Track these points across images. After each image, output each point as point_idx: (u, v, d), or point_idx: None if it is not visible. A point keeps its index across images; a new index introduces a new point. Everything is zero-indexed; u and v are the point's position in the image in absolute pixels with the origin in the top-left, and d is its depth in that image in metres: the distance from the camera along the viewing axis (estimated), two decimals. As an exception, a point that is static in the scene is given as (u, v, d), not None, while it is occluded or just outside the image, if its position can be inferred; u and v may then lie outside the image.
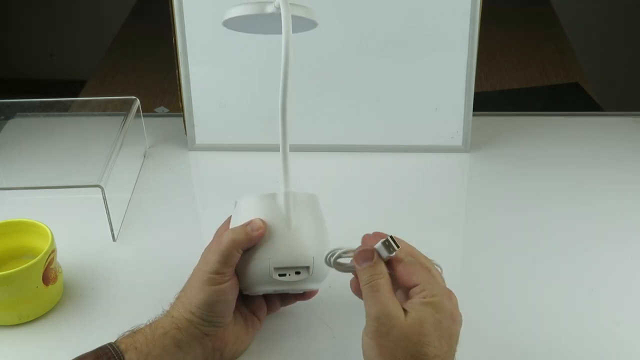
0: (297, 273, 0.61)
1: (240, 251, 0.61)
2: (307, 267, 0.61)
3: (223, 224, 0.68)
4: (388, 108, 0.95)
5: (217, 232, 0.67)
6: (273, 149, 0.98)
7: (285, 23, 0.62)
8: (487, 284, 0.74)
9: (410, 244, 0.62)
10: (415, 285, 0.57)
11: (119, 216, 0.85)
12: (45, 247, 0.69)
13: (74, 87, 1.48)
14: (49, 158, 0.97)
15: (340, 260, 0.61)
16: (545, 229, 0.82)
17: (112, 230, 0.81)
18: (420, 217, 0.86)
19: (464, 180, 0.95)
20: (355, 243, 0.80)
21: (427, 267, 0.59)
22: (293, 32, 0.63)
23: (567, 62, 1.46)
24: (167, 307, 0.63)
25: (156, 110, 1.33)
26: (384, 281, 0.57)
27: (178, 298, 0.63)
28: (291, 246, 0.61)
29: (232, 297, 0.62)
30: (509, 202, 0.87)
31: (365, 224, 0.84)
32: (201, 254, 0.65)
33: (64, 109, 1.05)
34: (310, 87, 0.95)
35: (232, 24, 0.66)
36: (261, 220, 0.62)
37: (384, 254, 0.58)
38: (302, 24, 0.67)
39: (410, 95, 0.95)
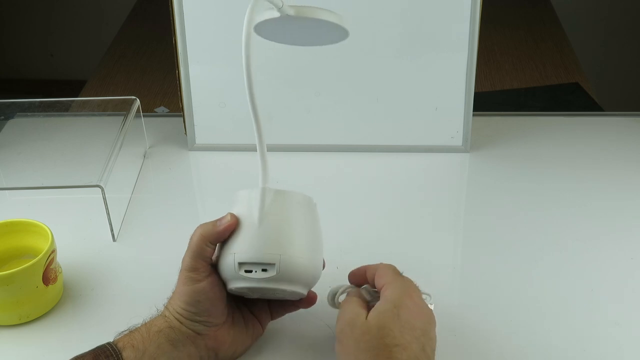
0: (264, 270, 0.60)
1: (209, 245, 0.62)
2: (273, 265, 0.60)
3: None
4: (388, 108, 0.95)
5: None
6: (273, 149, 0.98)
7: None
8: (487, 283, 0.74)
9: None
10: (382, 286, 0.60)
11: (119, 216, 0.85)
12: (45, 247, 0.69)
13: (74, 87, 1.48)
14: (49, 158, 0.97)
15: (342, 297, 0.64)
16: (545, 228, 0.82)
17: (112, 230, 0.81)
18: (420, 217, 0.86)
19: (464, 180, 0.95)
20: (355, 244, 0.80)
21: (396, 272, 0.62)
22: (325, 44, 0.63)
23: (567, 62, 1.46)
24: (161, 307, 0.64)
25: (156, 110, 1.33)
26: (357, 299, 0.61)
27: (170, 297, 0.64)
28: (256, 241, 0.60)
29: (214, 295, 0.61)
30: (509, 202, 0.87)
31: (365, 224, 0.84)
32: None
33: (64, 109, 1.05)
34: (310, 87, 0.95)
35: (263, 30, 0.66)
36: (232, 214, 0.62)
37: (367, 297, 0.62)
38: (334, 34, 0.66)
39: (410, 95, 0.95)
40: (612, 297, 0.72)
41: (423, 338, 0.57)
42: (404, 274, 0.63)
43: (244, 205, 0.63)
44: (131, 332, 0.61)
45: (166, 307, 0.63)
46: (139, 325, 0.62)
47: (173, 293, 0.63)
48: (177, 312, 0.62)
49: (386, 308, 0.57)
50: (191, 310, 0.61)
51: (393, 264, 0.64)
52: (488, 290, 0.73)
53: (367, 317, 0.57)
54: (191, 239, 0.63)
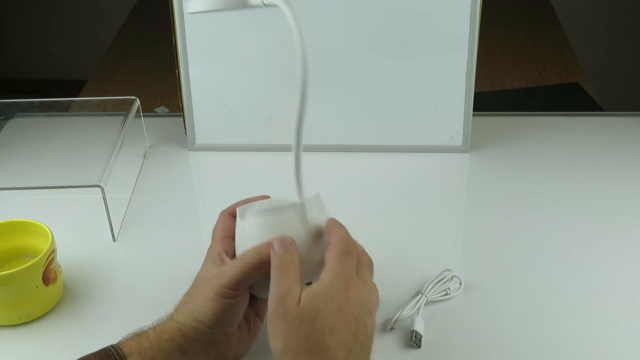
0: None
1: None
2: None
3: (219, 222, 0.67)
4: (388, 108, 0.95)
5: (214, 231, 0.66)
6: (273, 149, 0.98)
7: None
8: (487, 283, 0.74)
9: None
10: (325, 263, 0.58)
11: (119, 216, 0.85)
12: (45, 247, 0.69)
13: (74, 87, 1.48)
14: (49, 158, 0.97)
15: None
16: (545, 228, 0.82)
17: (112, 230, 0.81)
18: (420, 217, 0.86)
19: (464, 180, 0.95)
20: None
21: (345, 251, 0.59)
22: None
23: (567, 62, 1.46)
24: (171, 310, 0.62)
25: (156, 110, 1.33)
26: (294, 267, 0.58)
27: (184, 303, 0.61)
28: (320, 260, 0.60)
29: (244, 307, 0.62)
30: (509, 202, 0.87)
31: (364, 224, 0.84)
32: (204, 256, 0.64)
33: (64, 109, 1.05)
34: (310, 87, 0.95)
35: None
36: (291, 240, 0.60)
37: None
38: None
39: (410, 95, 0.95)
40: (612, 297, 0.72)
41: (354, 324, 0.56)
42: (354, 247, 0.60)
43: (286, 226, 0.62)
44: (138, 336, 0.59)
45: (179, 311, 0.61)
46: (147, 330, 0.60)
47: (191, 297, 0.61)
48: (198, 320, 0.60)
49: (320, 292, 0.56)
50: (218, 321, 0.60)
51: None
52: (487, 290, 0.73)
53: (300, 298, 0.56)
54: (244, 260, 0.60)
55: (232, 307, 0.60)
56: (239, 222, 0.64)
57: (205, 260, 0.64)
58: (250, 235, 0.62)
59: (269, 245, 0.60)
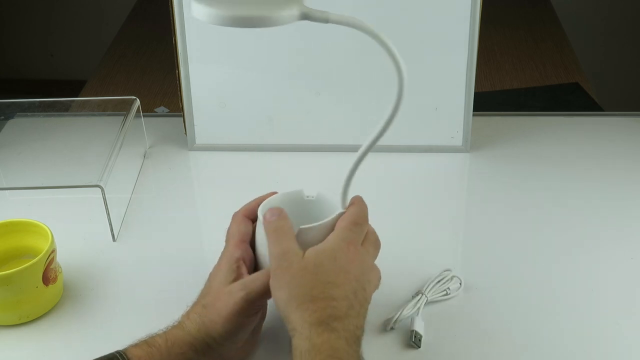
0: None
1: None
2: None
3: (234, 224, 0.66)
4: (388, 108, 0.95)
5: (229, 233, 0.66)
6: (273, 149, 0.98)
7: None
8: (487, 283, 0.74)
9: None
10: (335, 230, 0.62)
11: (119, 216, 0.85)
12: (45, 247, 0.69)
13: (74, 87, 1.48)
14: (49, 158, 0.97)
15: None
16: (545, 228, 0.82)
17: (112, 230, 0.81)
18: (420, 217, 0.86)
19: (464, 180, 0.95)
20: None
21: (355, 222, 0.62)
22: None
23: (567, 62, 1.46)
24: (179, 315, 0.62)
25: (156, 110, 1.33)
26: (288, 227, 0.61)
27: (199, 314, 0.60)
28: None
29: (256, 322, 0.63)
30: (509, 202, 0.87)
31: (365, 224, 0.84)
32: (202, 257, 0.64)
33: (64, 109, 1.05)
34: (310, 87, 0.95)
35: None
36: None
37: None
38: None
39: (410, 95, 0.94)
40: (612, 297, 0.72)
41: (355, 283, 0.59)
42: (365, 227, 0.64)
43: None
44: (149, 346, 0.58)
45: (192, 321, 0.60)
46: (157, 338, 0.59)
47: (206, 310, 0.60)
48: (212, 337, 0.59)
49: (324, 249, 0.59)
50: (230, 340, 0.60)
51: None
52: (487, 290, 0.73)
53: (303, 254, 0.59)
54: (254, 277, 0.61)
55: (247, 324, 0.61)
56: (259, 224, 0.64)
57: (220, 264, 0.64)
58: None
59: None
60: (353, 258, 0.60)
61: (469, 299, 0.72)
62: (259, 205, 0.66)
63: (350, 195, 0.66)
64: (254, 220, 0.66)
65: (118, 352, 0.58)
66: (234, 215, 0.68)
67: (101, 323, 0.70)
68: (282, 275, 0.58)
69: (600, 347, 0.66)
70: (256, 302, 0.60)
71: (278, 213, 0.62)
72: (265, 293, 0.60)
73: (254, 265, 0.64)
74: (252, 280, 0.60)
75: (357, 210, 0.64)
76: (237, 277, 0.62)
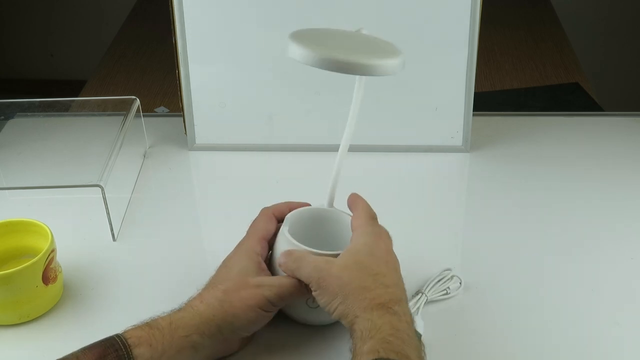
0: None
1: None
2: None
3: (261, 219, 0.67)
4: (388, 108, 0.95)
5: (254, 226, 0.67)
6: (273, 149, 0.98)
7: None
8: (487, 283, 0.74)
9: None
10: (354, 229, 0.63)
11: (119, 216, 0.85)
12: (45, 246, 0.69)
13: (74, 87, 1.48)
14: (49, 158, 0.97)
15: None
16: (545, 228, 0.82)
17: (112, 230, 0.81)
18: (420, 217, 0.86)
19: (464, 180, 0.95)
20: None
21: (371, 217, 0.64)
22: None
23: (567, 62, 1.46)
24: (186, 298, 0.62)
25: (156, 110, 1.33)
26: (303, 253, 0.62)
27: (218, 299, 0.60)
28: None
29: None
30: (509, 201, 0.87)
31: (365, 224, 0.84)
32: (236, 246, 0.66)
33: (64, 109, 1.05)
34: (310, 86, 0.95)
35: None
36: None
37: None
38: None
39: (410, 95, 0.95)
40: (612, 297, 0.72)
41: (396, 272, 0.60)
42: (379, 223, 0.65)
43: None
44: (150, 327, 0.58)
45: (208, 305, 0.60)
46: (160, 321, 0.59)
47: (227, 295, 0.60)
48: (229, 322, 0.60)
49: (358, 249, 0.60)
50: (245, 329, 0.61)
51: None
52: (487, 290, 0.73)
53: (337, 259, 0.60)
54: (282, 282, 0.62)
55: (266, 318, 0.62)
56: (283, 229, 0.66)
57: (239, 253, 0.65)
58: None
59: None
60: (386, 249, 0.61)
61: (469, 298, 0.72)
62: (288, 209, 0.68)
63: (336, 196, 0.67)
64: (279, 220, 0.68)
65: (116, 334, 0.58)
66: (263, 210, 0.69)
67: (101, 323, 0.70)
68: (327, 284, 0.58)
69: (600, 347, 0.66)
70: (279, 305, 0.62)
71: (288, 255, 0.62)
72: (289, 297, 0.61)
73: (268, 265, 0.66)
74: (282, 285, 0.61)
75: (366, 205, 0.65)
76: (259, 271, 0.63)
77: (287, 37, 0.60)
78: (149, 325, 0.59)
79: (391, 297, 0.57)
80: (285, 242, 0.65)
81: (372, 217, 0.65)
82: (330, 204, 0.69)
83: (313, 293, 0.60)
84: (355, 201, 0.66)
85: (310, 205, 0.70)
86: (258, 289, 0.61)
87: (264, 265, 0.64)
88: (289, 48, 0.59)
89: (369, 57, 0.59)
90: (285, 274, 0.63)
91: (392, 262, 0.61)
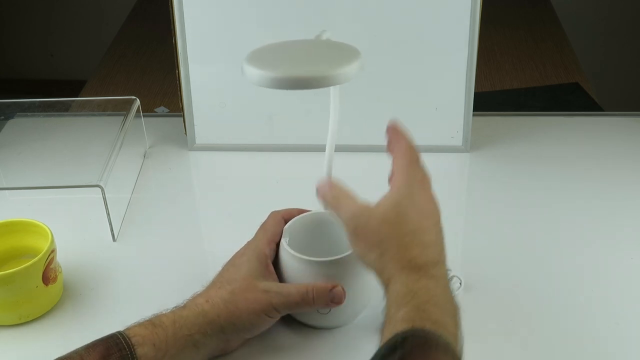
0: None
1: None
2: None
3: (271, 222, 0.67)
4: (388, 108, 0.95)
5: (264, 227, 0.67)
6: (273, 149, 0.98)
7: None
8: (487, 283, 0.74)
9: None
10: (393, 174, 0.59)
11: (119, 216, 0.85)
12: (45, 247, 0.69)
13: (74, 87, 1.48)
14: (49, 158, 0.97)
15: None
16: (545, 229, 0.82)
17: (112, 230, 0.81)
18: (420, 217, 0.85)
19: (464, 180, 0.95)
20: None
21: (412, 161, 0.60)
22: None
23: (567, 62, 1.46)
24: (187, 298, 0.62)
25: (156, 110, 1.33)
26: (344, 192, 0.58)
27: (224, 300, 0.60)
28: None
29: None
30: (509, 202, 0.87)
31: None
32: (245, 245, 0.66)
33: (64, 109, 1.05)
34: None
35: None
36: (343, 289, 0.62)
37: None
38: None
39: (410, 95, 0.95)
40: (612, 297, 0.72)
41: (438, 227, 0.57)
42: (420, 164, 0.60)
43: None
44: (154, 326, 0.58)
45: (210, 302, 0.60)
46: (164, 319, 0.58)
47: (233, 296, 0.60)
48: (233, 323, 0.60)
49: (400, 195, 0.56)
50: (249, 332, 0.61)
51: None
52: (487, 290, 0.73)
53: (375, 207, 0.56)
54: (306, 290, 0.61)
55: (269, 323, 0.62)
56: (283, 241, 0.66)
57: (247, 254, 0.64)
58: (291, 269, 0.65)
59: (328, 290, 0.61)
60: (429, 199, 0.58)
61: (469, 299, 0.72)
62: (299, 213, 0.68)
63: None
64: None
65: (119, 332, 0.57)
66: (272, 214, 0.68)
67: (101, 323, 0.70)
68: (364, 235, 0.55)
69: (600, 347, 0.66)
70: (283, 313, 0.62)
71: (327, 183, 0.59)
72: (295, 308, 0.61)
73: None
74: (289, 295, 0.61)
75: (408, 145, 0.60)
76: (268, 274, 0.62)
77: (243, 60, 0.59)
78: (153, 323, 0.58)
79: (429, 259, 0.54)
80: (286, 254, 0.65)
81: (414, 159, 0.59)
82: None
83: (348, 238, 0.57)
84: (395, 137, 0.61)
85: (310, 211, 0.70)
86: (265, 295, 0.60)
87: (272, 269, 0.64)
88: (244, 71, 0.58)
89: (325, 68, 0.58)
90: (291, 283, 0.63)
91: (434, 215, 0.57)
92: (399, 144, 0.60)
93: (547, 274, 0.75)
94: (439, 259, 0.55)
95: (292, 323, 0.68)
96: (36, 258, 0.68)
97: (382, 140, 0.97)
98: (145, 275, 0.77)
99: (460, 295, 0.72)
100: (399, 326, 0.50)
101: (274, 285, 0.62)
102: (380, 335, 0.52)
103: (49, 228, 0.71)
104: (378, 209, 0.56)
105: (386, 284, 0.55)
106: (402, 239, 0.54)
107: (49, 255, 0.69)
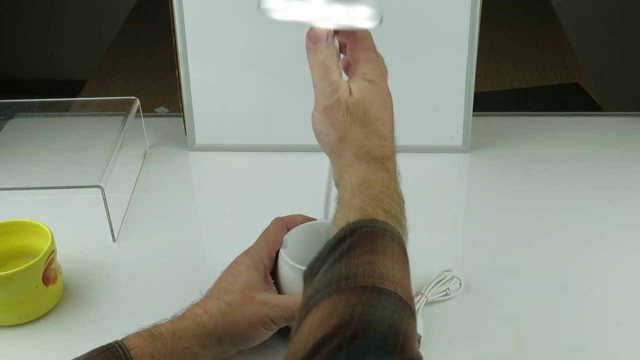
0: None
1: None
2: None
3: (273, 230, 0.67)
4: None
5: (266, 235, 0.67)
6: (273, 149, 0.98)
7: None
8: (487, 283, 0.74)
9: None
10: (357, 61, 0.58)
11: (119, 216, 0.85)
12: (45, 247, 0.69)
13: (74, 87, 1.48)
14: (49, 158, 0.97)
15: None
16: (545, 229, 0.82)
17: (112, 230, 0.81)
18: (420, 217, 0.85)
19: (464, 180, 0.95)
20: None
21: (373, 47, 0.59)
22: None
23: (567, 62, 1.45)
24: (184, 306, 0.62)
25: (156, 110, 1.33)
26: (335, 63, 0.57)
27: (222, 312, 0.60)
28: None
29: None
30: (509, 202, 0.87)
31: (365, 224, 0.84)
32: (244, 253, 0.65)
33: (64, 109, 1.05)
34: (310, 86, 0.94)
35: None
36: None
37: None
38: None
39: (410, 95, 0.94)
40: (612, 297, 0.72)
41: (393, 119, 0.58)
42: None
43: None
44: (153, 338, 0.57)
45: (208, 313, 0.60)
46: (163, 330, 0.58)
47: (231, 308, 0.60)
48: (230, 335, 0.59)
49: (366, 84, 0.57)
50: (250, 342, 0.61)
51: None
52: (487, 290, 0.73)
53: (350, 91, 0.57)
54: (288, 303, 0.61)
55: (267, 335, 0.61)
56: (282, 252, 0.65)
57: (247, 259, 0.64)
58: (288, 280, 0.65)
59: None
60: (388, 91, 0.58)
61: (469, 299, 0.72)
62: (303, 220, 0.68)
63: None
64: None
65: (117, 342, 0.57)
66: (275, 221, 0.68)
67: (101, 323, 0.70)
68: (334, 115, 0.56)
69: (600, 347, 0.66)
70: (281, 325, 0.61)
71: (322, 38, 0.57)
72: (292, 321, 0.60)
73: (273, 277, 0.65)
74: (287, 307, 0.61)
75: (367, 37, 0.59)
76: (266, 286, 0.62)
77: None
78: (152, 334, 0.58)
79: (384, 152, 0.56)
80: (285, 265, 0.64)
81: (374, 49, 0.59)
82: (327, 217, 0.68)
83: (315, 111, 0.57)
84: (354, 34, 0.59)
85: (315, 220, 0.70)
86: (262, 307, 0.60)
87: (270, 280, 0.64)
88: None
89: None
90: (289, 294, 0.63)
91: (391, 106, 0.58)
92: (359, 35, 0.59)
93: (547, 273, 0.75)
94: (392, 153, 0.57)
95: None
96: (36, 258, 0.68)
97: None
98: (145, 276, 0.77)
99: (460, 295, 0.72)
100: (352, 213, 0.52)
101: (271, 297, 0.61)
102: (333, 221, 0.54)
103: (49, 228, 0.71)
104: (351, 94, 0.57)
105: (342, 171, 0.56)
106: (363, 127, 0.56)
107: (49, 256, 0.69)
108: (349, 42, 0.59)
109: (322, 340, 0.42)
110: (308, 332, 0.43)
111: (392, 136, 0.57)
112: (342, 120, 0.56)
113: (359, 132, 0.55)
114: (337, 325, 0.42)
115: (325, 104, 0.56)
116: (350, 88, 0.57)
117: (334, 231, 0.51)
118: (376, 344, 0.41)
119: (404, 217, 0.56)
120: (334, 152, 0.57)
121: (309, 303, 0.46)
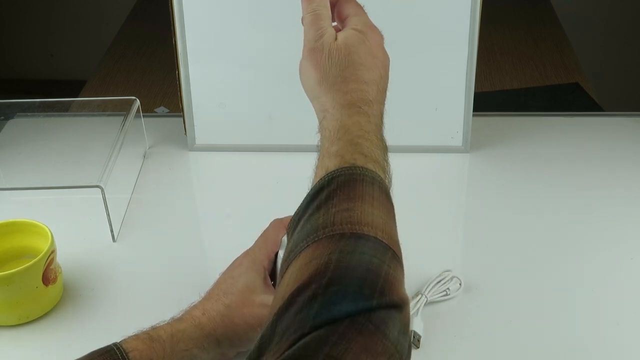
0: None
1: None
2: None
3: (272, 231, 0.66)
4: (388, 108, 0.95)
5: (265, 236, 0.66)
6: (273, 149, 0.98)
7: None
8: (486, 284, 0.74)
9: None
10: (347, 17, 0.60)
11: (119, 216, 0.85)
12: (45, 247, 0.69)
13: (74, 87, 1.48)
14: (49, 158, 0.97)
15: None
16: (545, 229, 0.82)
17: (112, 230, 0.81)
18: (420, 217, 0.86)
19: (464, 180, 0.95)
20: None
21: (361, 6, 0.62)
22: None
23: (567, 62, 1.45)
24: (183, 308, 0.62)
25: (156, 110, 1.33)
26: (326, 12, 0.59)
27: (220, 314, 0.60)
28: None
29: None
30: (509, 202, 0.87)
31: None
32: (243, 254, 0.65)
33: (64, 109, 1.05)
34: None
35: None
36: None
37: None
38: None
39: (410, 95, 0.94)
40: (612, 297, 0.72)
41: (381, 70, 0.58)
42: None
43: None
44: (152, 340, 0.57)
45: (207, 315, 0.60)
46: (161, 332, 0.58)
47: (230, 310, 0.60)
48: (229, 337, 0.59)
49: (353, 32, 0.58)
50: (248, 343, 0.60)
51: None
52: (487, 290, 0.73)
53: (336, 39, 0.58)
54: None
55: None
56: (280, 253, 0.65)
57: (246, 261, 0.64)
58: None
59: None
60: (378, 42, 0.59)
61: (469, 299, 0.72)
62: None
63: None
64: None
65: (115, 344, 0.56)
66: (274, 222, 0.68)
67: (101, 323, 0.70)
68: (316, 57, 0.57)
69: (600, 347, 0.66)
70: None
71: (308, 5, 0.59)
72: None
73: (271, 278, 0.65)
74: None
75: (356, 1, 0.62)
76: (265, 287, 0.62)
77: None
78: (150, 337, 0.57)
79: (363, 96, 0.56)
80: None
81: (362, 7, 0.61)
82: None
83: (303, 55, 0.59)
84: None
85: None
86: (261, 309, 0.60)
87: (269, 281, 0.63)
88: None
89: None
90: None
91: (381, 57, 0.59)
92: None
93: (547, 273, 0.75)
94: (375, 99, 0.57)
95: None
96: (36, 258, 0.68)
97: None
98: (145, 276, 0.77)
99: (460, 295, 0.72)
100: (331, 161, 0.52)
101: (271, 299, 0.61)
102: (314, 171, 0.54)
103: (49, 228, 0.71)
104: (336, 41, 0.58)
105: (321, 118, 0.56)
106: (344, 70, 0.56)
107: (49, 256, 0.69)
108: (339, 1, 0.61)
109: (297, 290, 0.42)
110: (287, 284, 0.43)
111: (378, 84, 0.57)
112: (324, 64, 0.57)
113: (337, 76, 0.56)
114: (312, 274, 0.42)
115: (309, 47, 0.58)
116: (337, 36, 0.58)
117: (315, 181, 0.51)
118: (353, 289, 0.41)
119: (387, 161, 0.55)
120: (314, 97, 0.58)
121: (290, 257, 0.46)
